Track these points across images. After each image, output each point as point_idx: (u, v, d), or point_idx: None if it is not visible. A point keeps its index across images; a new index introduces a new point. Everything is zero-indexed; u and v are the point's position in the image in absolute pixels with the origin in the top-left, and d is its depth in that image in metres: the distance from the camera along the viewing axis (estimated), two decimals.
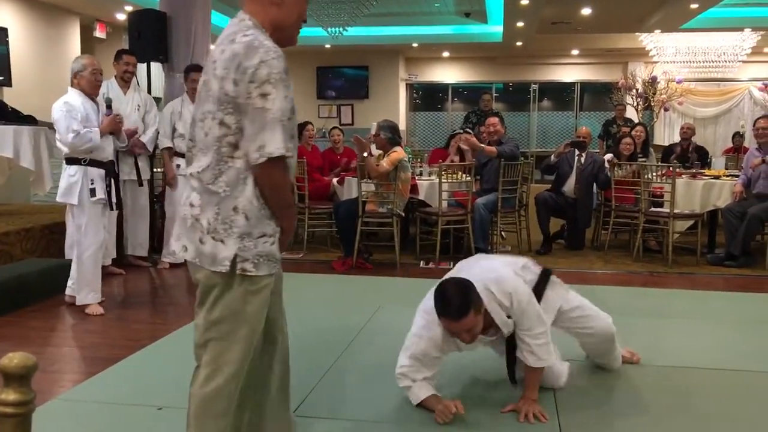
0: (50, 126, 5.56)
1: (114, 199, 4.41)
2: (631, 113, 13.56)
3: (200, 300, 1.95)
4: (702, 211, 6.36)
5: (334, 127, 7.56)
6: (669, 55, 12.63)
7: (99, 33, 10.95)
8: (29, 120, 6.00)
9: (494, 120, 6.65)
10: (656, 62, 13.03)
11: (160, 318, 4.42)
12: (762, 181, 6.05)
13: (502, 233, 7.06)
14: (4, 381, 1.31)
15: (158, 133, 5.72)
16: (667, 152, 8.29)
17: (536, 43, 12.76)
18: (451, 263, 5.93)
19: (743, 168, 6.37)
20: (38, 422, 1.42)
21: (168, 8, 6.27)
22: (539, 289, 2.87)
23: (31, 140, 5.61)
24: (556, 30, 12.31)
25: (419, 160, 7.76)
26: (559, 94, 15.26)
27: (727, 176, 6.68)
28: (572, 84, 14.81)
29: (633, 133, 7.29)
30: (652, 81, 12.95)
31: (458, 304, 2.52)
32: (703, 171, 7.02)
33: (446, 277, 2.76)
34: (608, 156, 6.95)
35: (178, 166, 5.80)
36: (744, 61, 12.73)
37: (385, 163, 5.79)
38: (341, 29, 10.02)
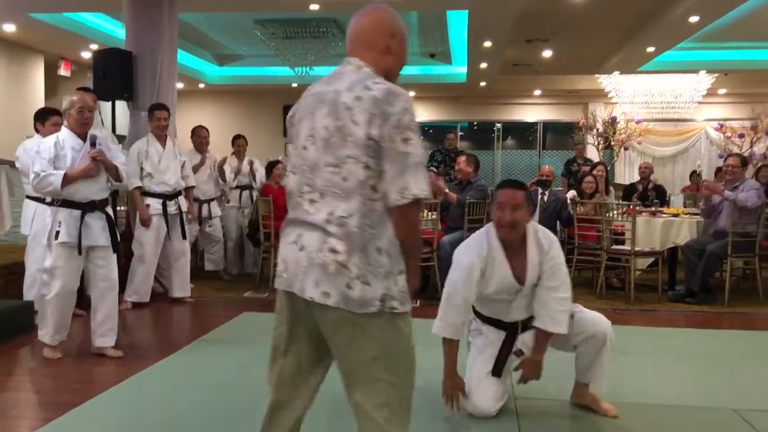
0: (12, 164, 5.51)
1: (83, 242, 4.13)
2: (592, 152, 13.89)
3: (341, 344, 1.92)
4: (662, 248, 6.49)
5: (277, 161, 7.57)
6: (628, 96, 13.01)
7: (64, 71, 10.89)
8: None
9: (461, 158, 6.72)
10: (615, 103, 13.40)
11: (121, 360, 4.32)
12: (721, 219, 6.21)
13: None
14: None
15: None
16: (627, 191, 8.47)
17: (499, 83, 13.05)
18: (417, 302, 5.95)
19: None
20: None
21: (134, 47, 6.28)
22: None
23: None
24: (519, 71, 12.63)
25: None
26: (523, 133, 15.55)
27: (686, 214, 6.85)
28: (535, 123, 15.13)
29: (594, 172, 7.45)
30: (612, 121, 13.29)
31: (518, 183, 3.15)
32: (662, 209, 7.19)
33: None
34: (571, 194, 7.08)
35: (148, 205, 5.75)
36: (700, 102, 13.16)
37: None
38: (308, 69, 10.13)
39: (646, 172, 8.53)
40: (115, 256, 4.29)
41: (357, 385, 1.90)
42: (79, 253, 4.13)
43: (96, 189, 4.21)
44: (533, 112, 15.12)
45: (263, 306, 5.95)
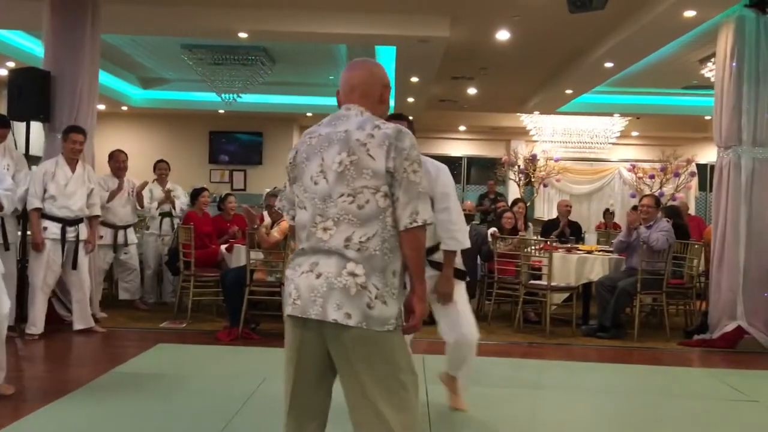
0: None
1: None
2: (513, 188, 14.31)
3: (359, 360, 2.05)
4: (577, 283, 6.71)
5: (229, 194, 7.48)
6: (547, 134, 13.50)
7: None
8: None
9: None
10: (536, 141, 13.87)
11: (25, 394, 4.10)
12: (633, 257, 6.48)
13: None
14: None
15: (27, 192, 5.46)
16: (547, 228, 8.70)
17: (426, 118, 13.29)
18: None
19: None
20: None
21: (53, 66, 6.08)
22: None
23: None
24: (445, 107, 12.93)
25: None
26: (448, 168, 15.81)
27: (599, 251, 7.12)
28: (459, 158, 15.47)
29: (514, 208, 7.66)
30: (532, 159, 13.74)
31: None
32: (577, 246, 7.45)
33: None
34: (492, 230, 7.25)
35: (45, 228, 5.53)
36: (614, 143, 13.79)
37: (276, 233, 5.78)
38: (235, 95, 10.05)
39: (567, 210, 8.75)
40: None
41: (378, 397, 2.04)
42: None
43: None
44: (458, 147, 15.48)
45: (179, 336, 5.80)
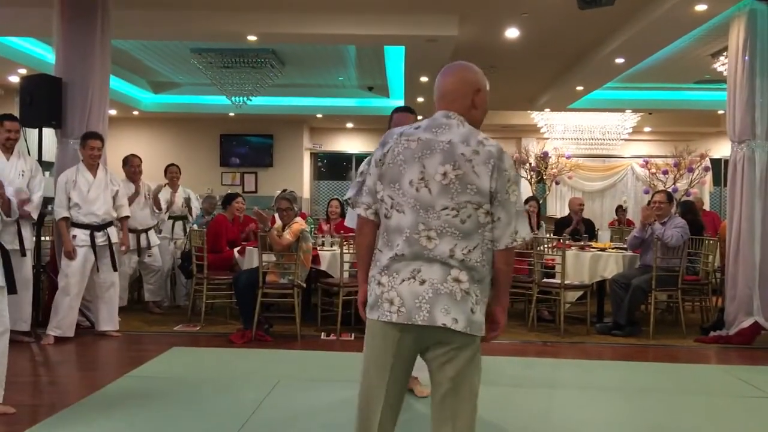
0: None
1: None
2: (525, 186, 14.23)
3: (460, 362, 2.15)
4: (590, 281, 6.68)
5: (238, 195, 7.52)
6: (558, 132, 13.43)
7: None
8: None
9: None
10: (547, 138, 13.80)
11: (42, 399, 4.13)
12: (647, 253, 6.44)
13: None
14: None
15: (43, 198, 5.50)
16: (560, 225, 8.62)
17: None
18: (353, 335, 5.93)
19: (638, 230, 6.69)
20: None
21: (64, 73, 6.12)
22: None
23: None
24: None
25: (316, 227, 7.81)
26: None
27: (613, 248, 7.08)
28: None
29: (527, 206, 7.62)
30: (544, 156, 13.67)
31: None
32: (590, 243, 7.41)
33: None
34: None
35: (74, 236, 5.58)
36: (626, 140, 13.69)
37: (288, 235, 5.78)
38: (245, 98, 10.08)
39: (580, 207, 8.66)
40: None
41: (466, 399, 2.17)
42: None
43: None
44: None
45: (193, 339, 5.82)
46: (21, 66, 8.89)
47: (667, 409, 4.11)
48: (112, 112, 11.68)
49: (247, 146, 14.16)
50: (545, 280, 6.52)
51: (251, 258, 6.33)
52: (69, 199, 5.60)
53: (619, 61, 8.50)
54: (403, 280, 2.12)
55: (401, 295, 2.11)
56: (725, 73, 6.71)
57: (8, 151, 5.32)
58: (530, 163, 13.71)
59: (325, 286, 6.39)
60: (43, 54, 8.84)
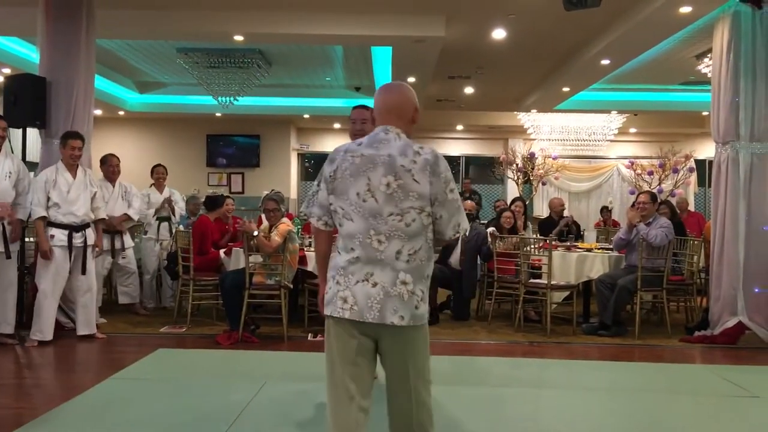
0: None
1: None
2: (512, 187, 14.31)
3: (407, 349, 2.40)
4: (577, 282, 6.70)
5: (227, 197, 7.48)
6: (545, 133, 13.50)
7: None
8: None
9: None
10: (534, 139, 13.86)
11: (26, 401, 4.09)
12: (632, 254, 6.47)
13: None
14: None
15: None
16: (543, 226, 8.64)
17: (423, 118, 13.16)
18: None
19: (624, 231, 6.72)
20: None
21: (48, 72, 6.07)
22: None
23: None
24: (442, 106, 12.93)
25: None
26: None
27: (599, 249, 7.11)
28: (458, 157, 15.46)
29: (512, 207, 7.65)
30: (530, 157, 13.73)
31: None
32: (576, 244, 7.44)
33: None
34: (491, 229, 7.24)
35: (52, 236, 5.52)
36: (612, 141, 13.79)
37: (276, 236, 5.77)
38: (232, 98, 10.05)
39: (562, 208, 8.72)
40: None
41: (412, 374, 2.40)
42: None
43: None
44: (456, 146, 15.46)
45: (178, 341, 5.79)
46: (5, 65, 8.81)
47: (653, 408, 4.13)
48: (98, 112, 11.59)
49: (233, 146, 14.11)
50: (532, 280, 6.54)
51: (237, 259, 6.31)
52: (48, 198, 5.54)
53: (605, 62, 8.56)
54: (358, 282, 2.36)
55: (355, 294, 2.35)
56: (710, 75, 6.78)
57: None
58: (517, 164, 13.77)
59: (312, 287, 6.37)
60: (28, 53, 8.77)
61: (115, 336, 5.94)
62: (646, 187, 12.43)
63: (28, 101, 5.90)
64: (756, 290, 5.96)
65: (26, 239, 5.90)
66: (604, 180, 15.13)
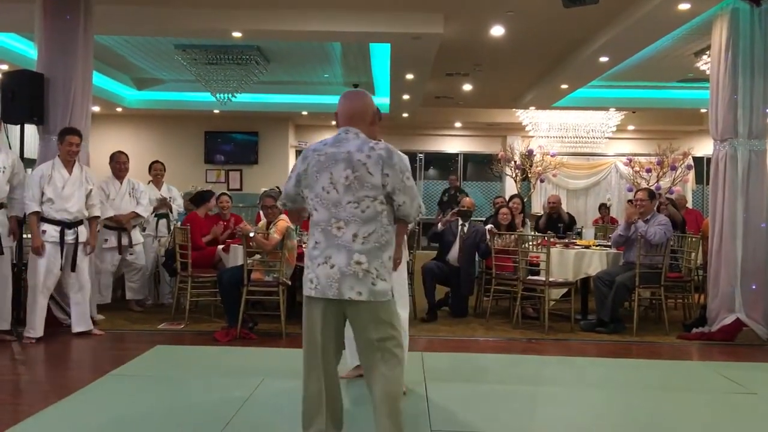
0: None
1: None
2: (510, 184, 14.31)
3: (368, 322, 2.78)
4: (575, 278, 6.70)
5: (223, 193, 7.47)
6: (543, 130, 13.49)
7: None
8: None
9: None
10: (532, 136, 13.86)
11: (23, 398, 4.09)
12: (631, 251, 6.48)
13: None
14: None
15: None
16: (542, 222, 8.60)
17: (422, 114, 13.30)
18: None
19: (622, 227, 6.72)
20: None
21: (46, 69, 6.05)
22: None
23: None
24: (440, 103, 12.93)
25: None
26: (444, 164, 15.83)
27: (597, 246, 7.11)
28: (456, 155, 15.46)
29: (510, 204, 7.65)
30: (529, 154, 13.73)
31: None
32: (574, 241, 7.44)
33: None
34: (489, 226, 7.24)
35: (44, 231, 5.51)
36: (610, 138, 13.80)
37: (275, 234, 5.76)
38: (230, 95, 10.03)
39: (551, 205, 8.64)
40: None
41: (383, 345, 2.78)
42: None
43: None
44: (454, 143, 15.46)
45: (176, 338, 5.79)
46: (3, 62, 8.80)
47: (651, 405, 4.14)
48: (96, 108, 11.57)
49: (231, 143, 14.10)
50: (530, 277, 6.54)
51: (236, 255, 6.30)
52: (42, 193, 5.52)
53: (604, 59, 8.55)
54: (319, 264, 2.76)
55: (318, 276, 2.76)
56: (708, 72, 6.77)
57: None
58: (515, 161, 13.77)
59: None
60: (25, 50, 8.75)
61: (113, 332, 5.93)
62: (644, 185, 12.43)
63: (25, 97, 5.87)
64: (753, 287, 5.97)
65: (24, 236, 5.89)
66: (602, 177, 15.14)
